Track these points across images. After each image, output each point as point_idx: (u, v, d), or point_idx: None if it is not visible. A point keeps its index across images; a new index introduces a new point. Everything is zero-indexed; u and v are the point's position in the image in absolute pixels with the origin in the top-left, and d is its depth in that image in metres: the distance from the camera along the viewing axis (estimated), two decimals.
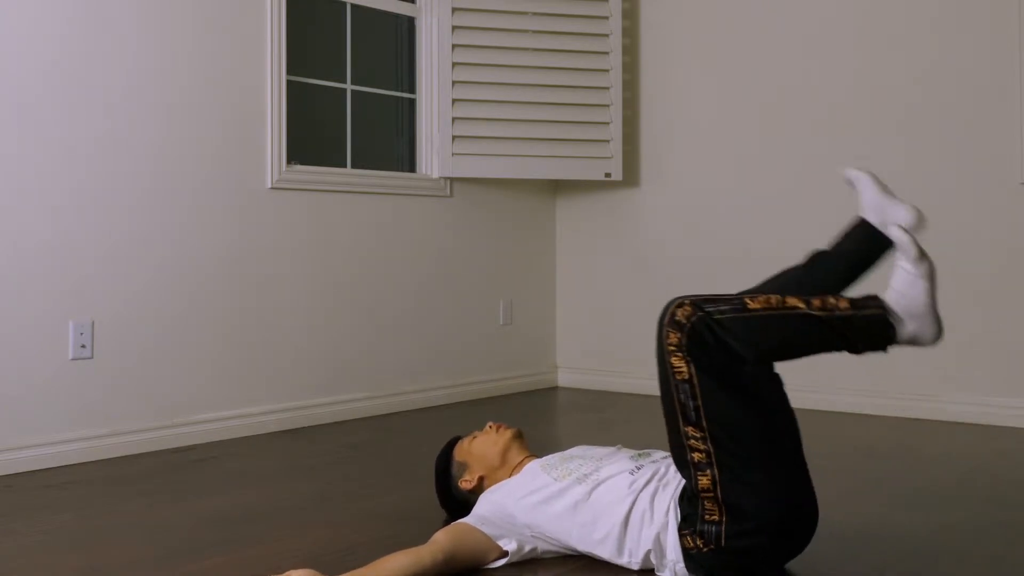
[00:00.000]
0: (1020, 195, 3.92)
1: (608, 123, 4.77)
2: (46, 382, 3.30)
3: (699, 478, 1.99)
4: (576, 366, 5.14)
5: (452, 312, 4.68)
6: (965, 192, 4.05)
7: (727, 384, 1.96)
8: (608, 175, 4.80)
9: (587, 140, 4.76)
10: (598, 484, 2.16)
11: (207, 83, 3.73)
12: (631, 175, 4.92)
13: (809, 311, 1.97)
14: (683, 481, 2.08)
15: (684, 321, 1.95)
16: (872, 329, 1.99)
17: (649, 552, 2.10)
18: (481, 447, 2.50)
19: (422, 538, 2.48)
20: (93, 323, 3.41)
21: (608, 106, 4.76)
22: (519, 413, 4.43)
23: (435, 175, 4.58)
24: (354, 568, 2.05)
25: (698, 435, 1.97)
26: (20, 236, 3.24)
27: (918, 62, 4.17)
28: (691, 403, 1.96)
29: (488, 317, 4.87)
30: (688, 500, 2.04)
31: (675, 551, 2.06)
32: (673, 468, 2.13)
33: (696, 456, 1.98)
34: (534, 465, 2.35)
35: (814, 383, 4.17)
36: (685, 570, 2.06)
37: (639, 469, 2.16)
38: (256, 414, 3.87)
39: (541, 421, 4.36)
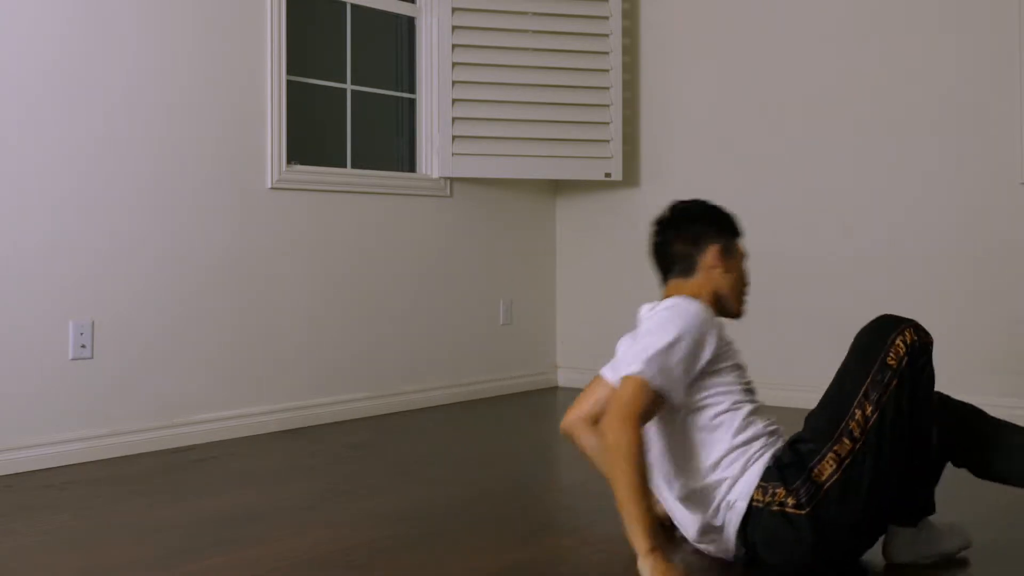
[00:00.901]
0: (1020, 195, 3.93)
1: (608, 123, 4.77)
2: (46, 382, 3.30)
3: (843, 441, 2.03)
4: (576, 366, 5.15)
5: (452, 312, 4.68)
6: (965, 192, 4.05)
7: (918, 396, 2.08)
8: (608, 175, 4.80)
9: (587, 140, 4.77)
10: (751, 424, 2.16)
11: (207, 83, 3.74)
12: (631, 175, 4.93)
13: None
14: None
15: (920, 341, 2.07)
16: None
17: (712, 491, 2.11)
18: (731, 279, 2.33)
19: (422, 538, 2.48)
20: (93, 323, 3.41)
21: (608, 106, 4.76)
22: (519, 413, 4.44)
23: (435, 175, 4.58)
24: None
25: (868, 411, 2.04)
26: (20, 236, 3.24)
27: (917, 62, 4.17)
28: (889, 381, 2.04)
29: (488, 317, 4.87)
30: (793, 450, 2.08)
31: (745, 497, 2.07)
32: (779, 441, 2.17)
33: (852, 425, 2.03)
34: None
35: (817, 382, 4.17)
36: (732, 528, 2.08)
37: (771, 424, 2.20)
38: (256, 414, 3.88)
39: (541, 421, 4.37)
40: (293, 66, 4.07)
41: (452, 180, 4.65)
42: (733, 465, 2.11)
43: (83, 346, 3.38)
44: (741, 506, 2.08)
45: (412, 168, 4.65)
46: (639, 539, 1.94)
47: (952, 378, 4.08)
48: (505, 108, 4.64)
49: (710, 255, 2.31)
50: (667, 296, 2.30)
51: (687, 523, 2.21)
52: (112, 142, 3.46)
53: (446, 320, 4.65)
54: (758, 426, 2.16)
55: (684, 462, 2.16)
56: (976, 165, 4.03)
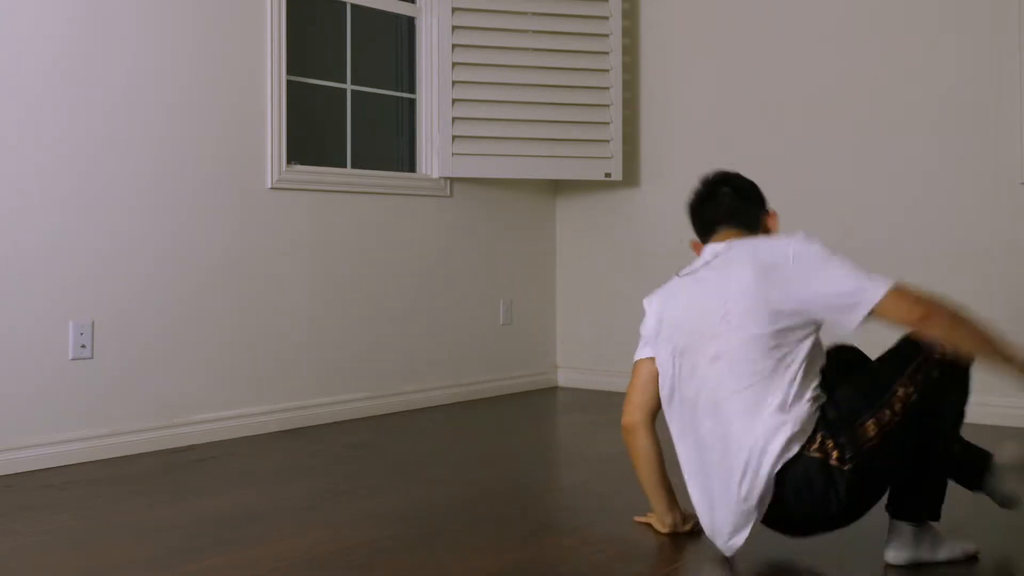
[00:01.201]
0: (1020, 195, 3.92)
1: (608, 123, 4.77)
2: (46, 382, 3.30)
3: (884, 411, 2.09)
4: (576, 366, 5.15)
5: (452, 312, 4.68)
6: (965, 192, 4.05)
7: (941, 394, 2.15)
8: (608, 175, 4.79)
9: (587, 140, 4.76)
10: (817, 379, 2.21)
11: (207, 83, 3.73)
12: (631, 175, 4.92)
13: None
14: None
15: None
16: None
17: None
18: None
19: (422, 538, 2.48)
20: (93, 323, 3.41)
21: (608, 106, 4.76)
22: (519, 413, 4.43)
23: (435, 175, 4.58)
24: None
25: (910, 390, 2.10)
26: (20, 236, 3.24)
27: (917, 62, 4.17)
28: (932, 372, 2.11)
29: (488, 317, 4.87)
30: (835, 406, 2.13)
31: (800, 441, 2.09)
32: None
33: (895, 400, 2.10)
34: None
35: None
36: (770, 471, 2.09)
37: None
38: (256, 414, 3.87)
39: (541, 421, 4.36)
40: (293, 66, 4.07)
41: (452, 180, 4.65)
42: (805, 414, 2.12)
43: (83, 346, 3.38)
44: (794, 448, 2.09)
45: (412, 168, 4.65)
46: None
47: None
48: (505, 108, 4.64)
49: (773, 218, 2.46)
50: (725, 240, 2.39)
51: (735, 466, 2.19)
52: (112, 142, 3.46)
53: (446, 320, 4.64)
54: (818, 387, 2.19)
55: (769, 397, 2.15)
56: (976, 165, 4.03)
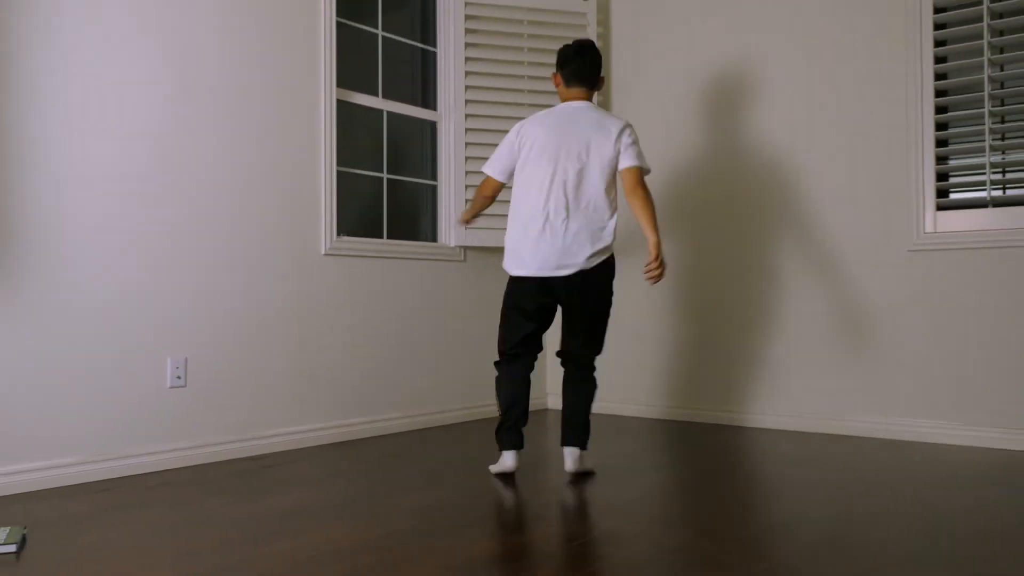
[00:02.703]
0: (910, 261, 3.88)
1: None
2: (149, 406, 3.34)
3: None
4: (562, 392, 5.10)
5: (465, 351, 4.71)
6: (858, 255, 3.99)
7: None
8: None
9: None
10: None
11: (275, 171, 3.80)
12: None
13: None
14: None
15: None
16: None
17: None
18: None
19: (439, 527, 2.47)
20: (186, 359, 3.45)
21: None
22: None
23: (452, 244, 4.63)
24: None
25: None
26: (131, 287, 3.29)
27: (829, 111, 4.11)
28: None
29: (494, 355, 4.83)
30: None
31: None
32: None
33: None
34: None
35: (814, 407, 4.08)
36: None
37: None
38: (313, 430, 3.90)
39: (534, 435, 4.35)
40: (342, 159, 4.14)
41: (466, 248, 4.70)
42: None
43: (178, 377, 3.42)
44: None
45: (434, 238, 4.70)
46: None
47: (908, 398, 4.02)
48: (506, 191, 4.68)
49: (601, 81, 3.20)
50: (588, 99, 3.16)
51: None
52: (200, 215, 3.52)
53: (460, 356, 4.67)
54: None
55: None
56: (870, 230, 3.96)
